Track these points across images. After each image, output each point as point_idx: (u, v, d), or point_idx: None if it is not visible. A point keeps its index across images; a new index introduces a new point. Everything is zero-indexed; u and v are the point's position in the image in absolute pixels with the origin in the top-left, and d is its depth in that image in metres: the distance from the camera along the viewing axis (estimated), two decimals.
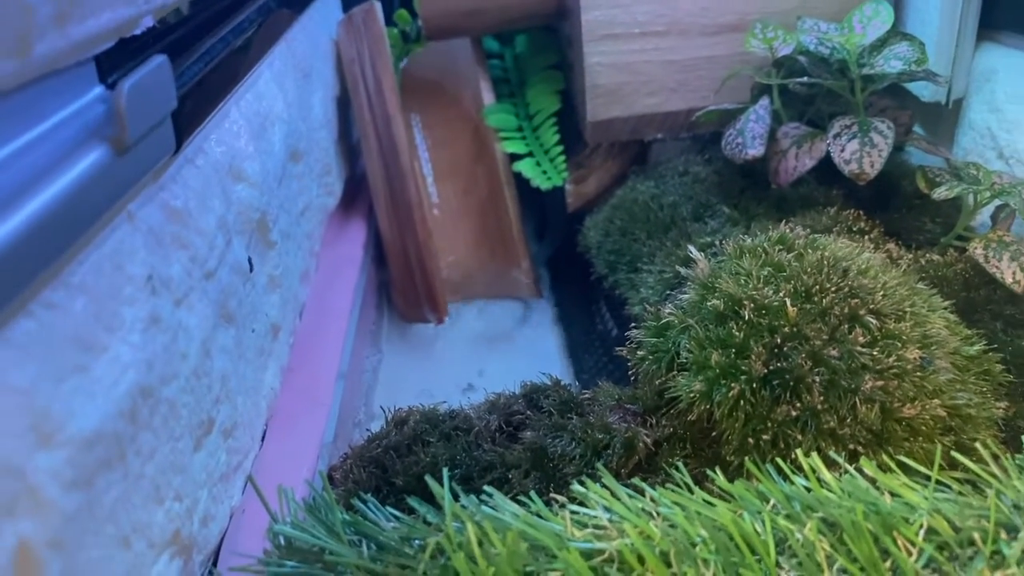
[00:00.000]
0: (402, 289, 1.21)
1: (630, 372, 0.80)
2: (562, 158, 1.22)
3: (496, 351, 1.18)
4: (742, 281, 0.74)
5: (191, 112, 0.67)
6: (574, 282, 1.28)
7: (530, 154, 1.24)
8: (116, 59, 0.54)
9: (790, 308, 0.71)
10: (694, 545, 0.58)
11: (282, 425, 0.82)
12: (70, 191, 0.44)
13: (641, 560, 0.57)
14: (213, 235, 0.66)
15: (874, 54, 0.94)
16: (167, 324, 0.56)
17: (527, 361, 1.15)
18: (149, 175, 0.56)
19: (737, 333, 0.70)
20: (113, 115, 0.49)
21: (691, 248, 0.85)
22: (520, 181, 1.27)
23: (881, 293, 0.73)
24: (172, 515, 0.55)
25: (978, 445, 0.66)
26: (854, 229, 0.95)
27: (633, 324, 0.81)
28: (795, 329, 0.70)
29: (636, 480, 0.65)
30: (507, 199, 1.27)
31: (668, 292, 0.89)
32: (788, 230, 0.82)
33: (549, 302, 1.29)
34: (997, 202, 0.91)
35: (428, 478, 0.62)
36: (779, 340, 0.69)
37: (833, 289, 0.72)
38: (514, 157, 1.24)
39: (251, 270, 0.75)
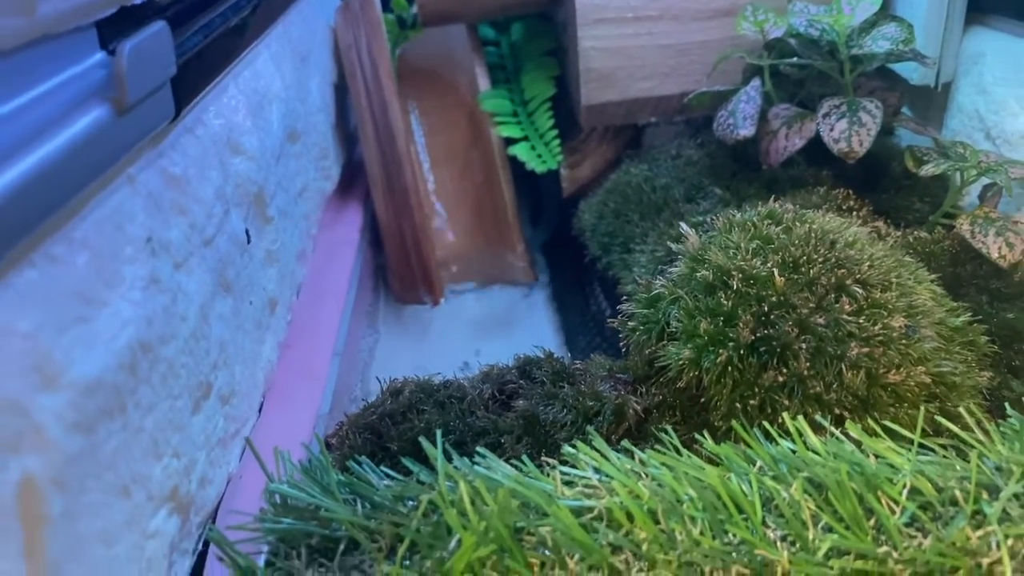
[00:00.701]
0: (398, 272, 1.22)
1: (621, 345, 0.81)
2: (557, 142, 1.23)
3: (492, 333, 1.20)
4: (731, 253, 0.76)
5: (192, 83, 0.68)
6: (569, 266, 1.30)
7: (525, 138, 1.25)
8: (118, 27, 0.56)
9: (778, 278, 0.72)
10: (681, 503, 0.60)
11: (279, 398, 0.83)
12: (71, 146, 0.45)
13: (630, 517, 0.59)
14: (211, 204, 0.68)
15: (863, 35, 0.95)
16: (166, 285, 0.57)
17: (522, 342, 1.16)
18: (148, 139, 0.58)
19: (725, 302, 0.72)
20: (114, 77, 0.50)
21: (682, 224, 0.86)
22: (516, 167, 1.28)
23: (868, 264, 0.74)
24: (170, 471, 0.57)
25: (962, 410, 0.67)
26: (843, 208, 0.96)
27: (625, 300, 0.83)
28: (782, 298, 0.71)
29: (625, 443, 0.66)
30: (503, 184, 1.29)
31: (661, 267, 0.90)
32: (777, 206, 0.83)
33: (544, 285, 1.30)
34: (984, 181, 0.92)
35: (422, 439, 0.64)
36: (766, 309, 0.71)
37: (820, 260, 0.74)
38: (509, 142, 1.26)
39: (248, 242, 0.76)
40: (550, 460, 0.65)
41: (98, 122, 0.48)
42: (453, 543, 0.58)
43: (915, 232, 0.93)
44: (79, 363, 0.45)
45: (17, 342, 0.41)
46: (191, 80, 0.68)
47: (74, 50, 0.51)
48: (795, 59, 1.00)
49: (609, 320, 0.81)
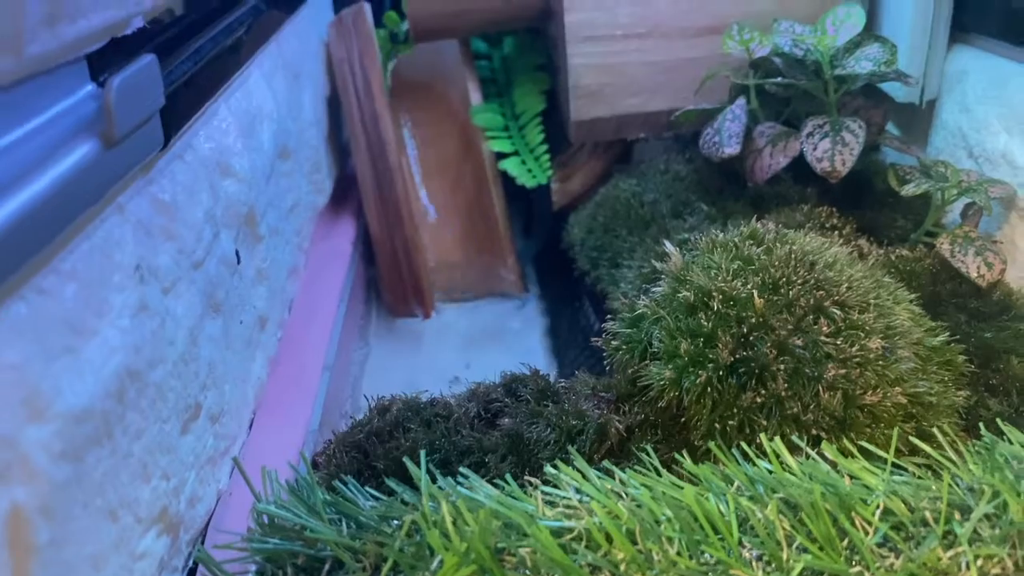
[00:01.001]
0: (390, 284, 1.24)
1: (605, 363, 0.83)
2: (547, 156, 1.25)
3: (482, 346, 1.21)
4: (712, 274, 0.77)
5: (182, 110, 0.69)
6: (559, 279, 1.31)
7: (516, 153, 1.27)
8: (108, 59, 0.57)
9: (757, 299, 0.73)
10: (659, 524, 0.61)
11: (269, 413, 0.85)
12: (61, 182, 0.47)
13: (608, 538, 0.60)
14: (200, 228, 0.69)
15: (846, 55, 0.97)
16: (155, 311, 0.59)
17: (513, 355, 1.18)
18: (138, 169, 0.59)
19: (706, 323, 0.73)
20: (103, 111, 0.52)
21: (667, 243, 0.88)
22: (507, 179, 1.29)
23: (846, 285, 0.76)
24: (159, 493, 0.58)
25: (936, 431, 0.69)
26: (827, 225, 0.98)
27: (610, 317, 0.84)
28: (762, 319, 0.73)
29: (607, 463, 0.68)
30: (494, 197, 1.30)
31: (645, 286, 0.91)
32: (760, 226, 0.84)
33: (535, 298, 1.32)
34: (966, 200, 0.94)
35: (406, 460, 0.65)
36: (746, 330, 0.72)
37: (800, 281, 0.75)
38: (500, 156, 1.27)
39: (239, 262, 0.78)
40: (533, 480, 0.66)
41: (87, 157, 0.49)
42: (435, 563, 0.59)
43: (897, 250, 0.94)
44: (67, 393, 0.46)
45: (5, 375, 0.42)
46: (181, 106, 0.69)
47: (64, 84, 0.52)
48: (780, 79, 1.01)
49: (593, 339, 0.83)
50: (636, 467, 0.67)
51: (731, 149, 1.00)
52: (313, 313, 1.03)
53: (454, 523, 0.60)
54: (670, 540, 0.60)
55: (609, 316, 0.84)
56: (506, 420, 0.76)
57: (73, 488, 0.46)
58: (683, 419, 0.74)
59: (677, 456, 0.67)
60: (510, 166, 1.25)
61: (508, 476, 0.67)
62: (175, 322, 0.62)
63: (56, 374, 0.46)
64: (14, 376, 0.42)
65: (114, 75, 0.52)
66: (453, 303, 1.30)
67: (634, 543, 0.60)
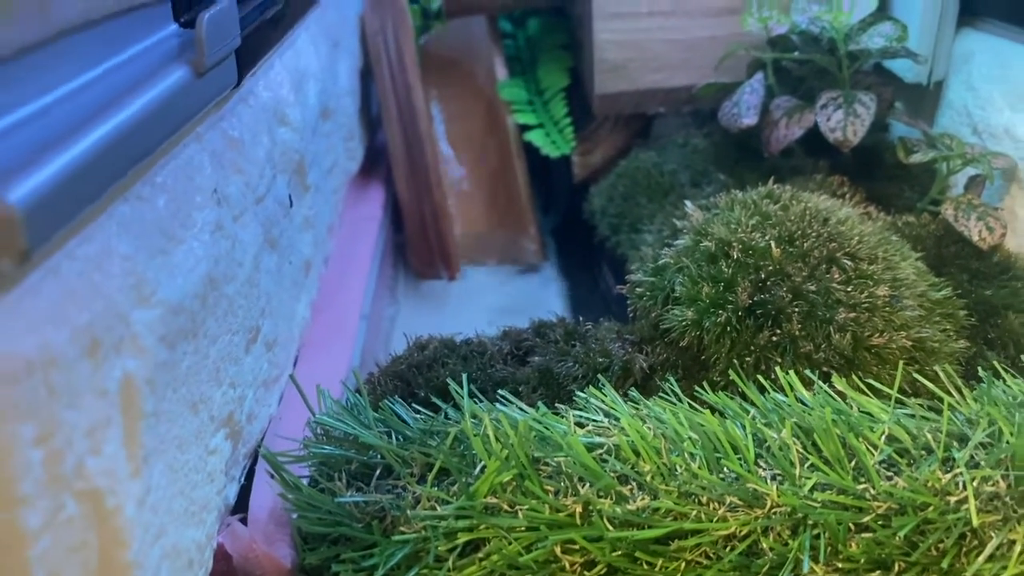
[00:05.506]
0: (417, 247, 1.29)
1: (629, 311, 0.88)
2: (571, 128, 1.30)
3: (505, 309, 1.26)
4: (732, 228, 0.83)
5: (245, 59, 0.75)
6: (577, 250, 1.37)
7: (540, 125, 1.32)
8: (188, 3, 0.63)
9: (774, 249, 0.79)
10: (682, 442, 0.66)
11: (311, 354, 0.90)
12: (162, 97, 0.52)
13: (636, 453, 0.66)
14: (262, 166, 0.75)
15: (860, 33, 1.02)
16: (228, 233, 0.64)
17: (534, 317, 1.23)
18: (213, 104, 0.64)
19: (726, 270, 0.79)
20: (193, 42, 0.57)
21: (687, 203, 0.94)
22: (529, 156, 1.35)
23: (857, 239, 0.81)
24: (228, 398, 0.64)
25: (939, 371, 0.74)
26: (838, 194, 1.03)
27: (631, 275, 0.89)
28: (778, 267, 0.78)
29: (633, 393, 0.73)
30: (517, 171, 1.36)
31: (667, 241, 0.97)
32: (776, 187, 0.90)
33: (554, 266, 1.37)
34: (970, 171, 0.99)
35: (449, 381, 0.71)
36: (763, 276, 0.78)
37: (814, 235, 0.81)
38: (525, 128, 1.33)
39: (291, 206, 0.83)
40: (563, 407, 0.72)
41: (182, 80, 0.55)
42: (477, 470, 0.65)
43: (903, 217, 1.00)
44: (165, 287, 0.52)
45: (119, 262, 0.47)
46: (245, 55, 0.74)
47: (152, 22, 0.58)
48: (796, 54, 1.06)
49: (618, 287, 0.88)
50: (660, 397, 0.73)
51: (749, 120, 1.05)
52: (348, 268, 1.08)
53: (495, 435, 0.66)
54: (692, 456, 0.66)
55: (629, 277, 0.90)
56: (536, 358, 0.82)
57: (168, 371, 0.52)
58: (702, 358, 0.79)
59: (697, 389, 0.73)
60: (535, 137, 1.30)
61: (540, 404, 0.72)
62: (242, 247, 0.68)
63: (156, 269, 0.51)
64: (126, 265, 0.48)
65: (204, 11, 0.58)
66: (476, 270, 1.36)
67: (659, 457, 0.66)
